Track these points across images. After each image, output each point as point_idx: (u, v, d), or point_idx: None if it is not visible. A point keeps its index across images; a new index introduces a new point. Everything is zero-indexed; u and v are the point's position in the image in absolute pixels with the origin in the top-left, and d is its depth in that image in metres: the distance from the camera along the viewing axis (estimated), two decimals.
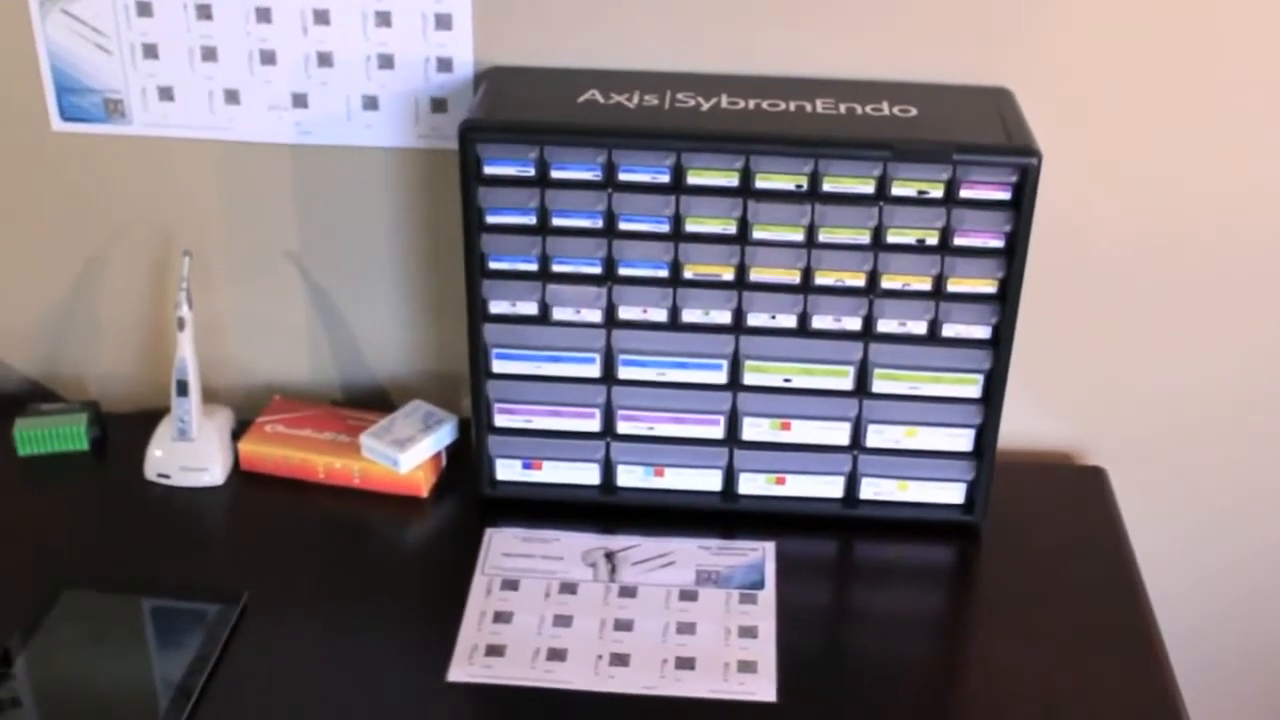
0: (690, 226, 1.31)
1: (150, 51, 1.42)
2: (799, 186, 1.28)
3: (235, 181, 1.49)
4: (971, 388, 1.36)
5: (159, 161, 1.48)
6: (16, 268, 1.55)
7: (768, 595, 1.32)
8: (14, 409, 1.53)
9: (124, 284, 1.55)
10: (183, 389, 1.45)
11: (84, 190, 1.50)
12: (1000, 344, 1.33)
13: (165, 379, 1.48)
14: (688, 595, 1.32)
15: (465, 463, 1.46)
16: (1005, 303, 1.31)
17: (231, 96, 1.44)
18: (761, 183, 1.28)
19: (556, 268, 1.34)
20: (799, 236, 1.30)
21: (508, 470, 1.43)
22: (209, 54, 1.42)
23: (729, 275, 1.33)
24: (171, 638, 1.27)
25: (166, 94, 1.44)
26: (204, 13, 1.39)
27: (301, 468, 1.47)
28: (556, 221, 1.32)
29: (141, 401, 1.58)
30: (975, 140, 1.26)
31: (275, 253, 1.52)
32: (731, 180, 1.29)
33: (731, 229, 1.31)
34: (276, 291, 1.54)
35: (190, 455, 1.46)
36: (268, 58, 1.41)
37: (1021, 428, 1.53)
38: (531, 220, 1.32)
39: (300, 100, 1.43)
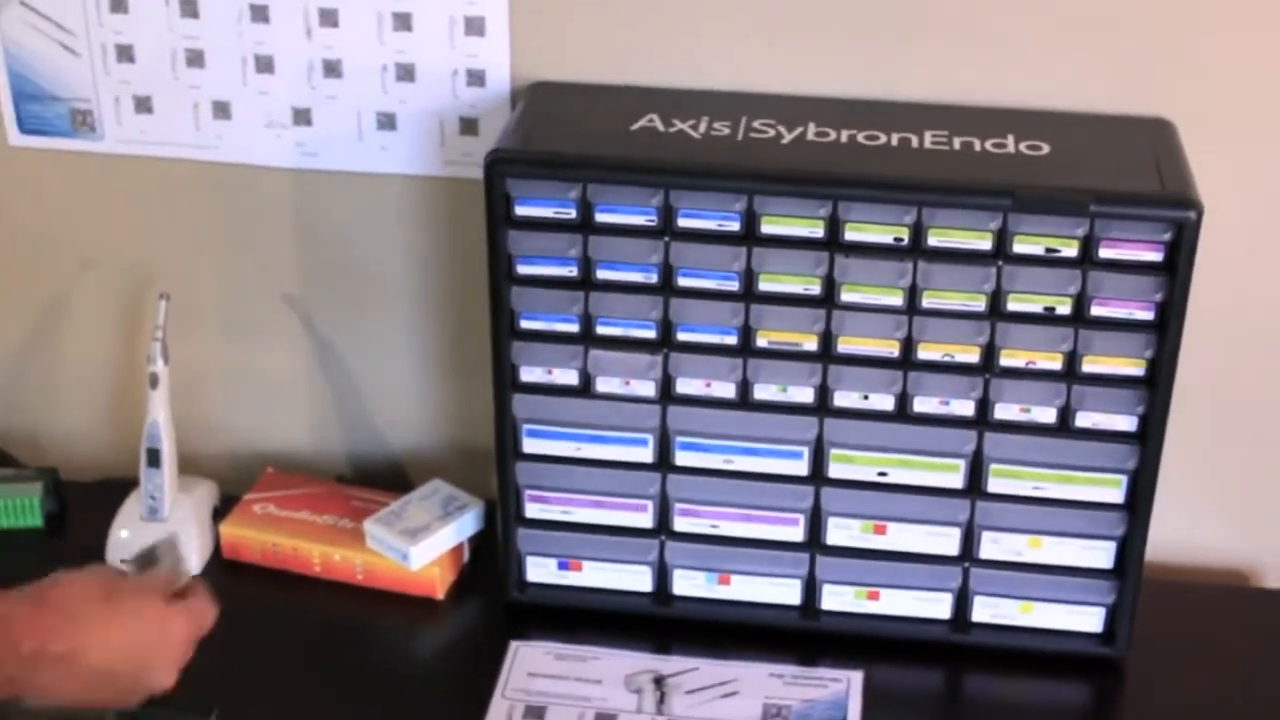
0: (764, 285, 1.32)
1: (125, 54, 1.47)
2: (898, 240, 1.29)
3: (224, 211, 1.53)
4: (1112, 491, 1.35)
5: (134, 185, 1.52)
6: None
7: None
8: None
9: (89, 330, 1.60)
10: (154, 459, 1.49)
11: (44, 216, 1.55)
12: (1149, 438, 1.32)
13: (136, 443, 1.52)
14: None
15: (491, 559, 1.49)
16: (1156, 388, 1.30)
17: (221, 109, 1.48)
18: (852, 234, 1.29)
19: (601, 329, 1.36)
20: (898, 300, 1.31)
21: (540, 571, 1.45)
22: (194, 58, 1.46)
23: (811, 345, 1.34)
24: None
25: (144, 105, 1.48)
26: (189, 9, 1.44)
27: (294, 558, 1.50)
28: (601, 274, 1.34)
29: (108, 468, 1.63)
30: (1119, 188, 1.26)
31: (271, 296, 1.56)
32: (815, 230, 1.30)
33: (815, 289, 1.32)
34: (272, 343, 1.58)
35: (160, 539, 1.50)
36: (264, 64, 1.45)
37: (1176, 538, 1.51)
38: (571, 272, 1.34)
39: (302, 116, 1.47)
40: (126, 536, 1.50)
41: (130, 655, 1.12)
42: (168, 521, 1.49)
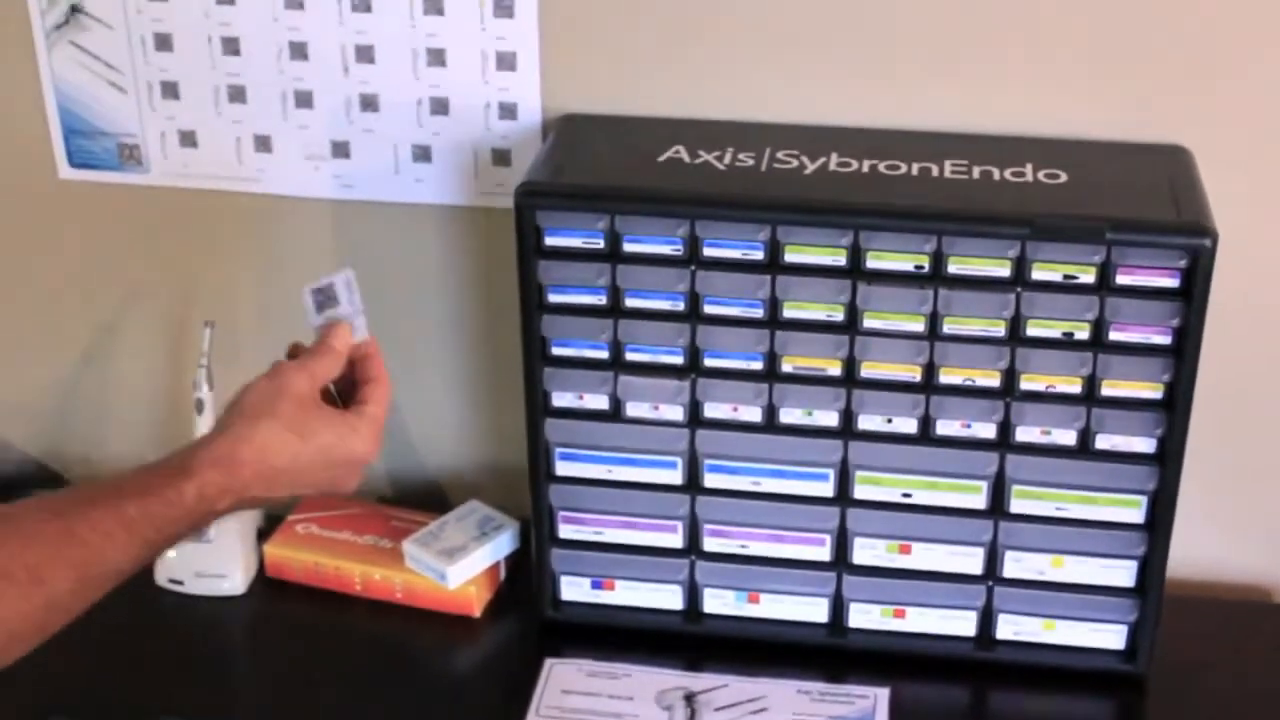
0: (789, 312, 1.33)
1: (170, 90, 1.49)
2: (919, 268, 1.30)
3: (266, 241, 1.55)
4: (1133, 511, 1.36)
5: (179, 216, 1.55)
6: (19, 333, 1.64)
7: None
8: (11, 494, 1.61)
9: (138, 356, 1.63)
10: None
11: (94, 247, 1.58)
12: (1168, 459, 1.32)
13: None
14: None
15: (527, 577, 1.50)
16: (1174, 411, 1.31)
17: (262, 143, 1.50)
18: (874, 262, 1.30)
19: (630, 356, 1.37)
20: (919, 326, 1.32)
21: (574, 590, 1.47)
22: (236, 94, 1.48)
23: (835, 370, 1.35)
24: None
25: (189, 139, 1.51)
26: (231, 47, 1.46)
27: (336, 578, 1.52)
28: (630, 302, 1.35)
29: None
30: (1135, 216, 1.26)
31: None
32: (838, 259, 1.31)
33: (838, 316, 1.33)
34: None
35: (207, 559, 1.52)
36: (303, 99, 1.48)
37: (1197, 555, 1.51)
38: (601, 300, 1.35)
39: (341, 149, 1.49)
40: (173, 557, 1.52)
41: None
42: (213, 542, 1.51)
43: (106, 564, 1.04)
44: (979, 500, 1.38)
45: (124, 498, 1.06)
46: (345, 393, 1.22)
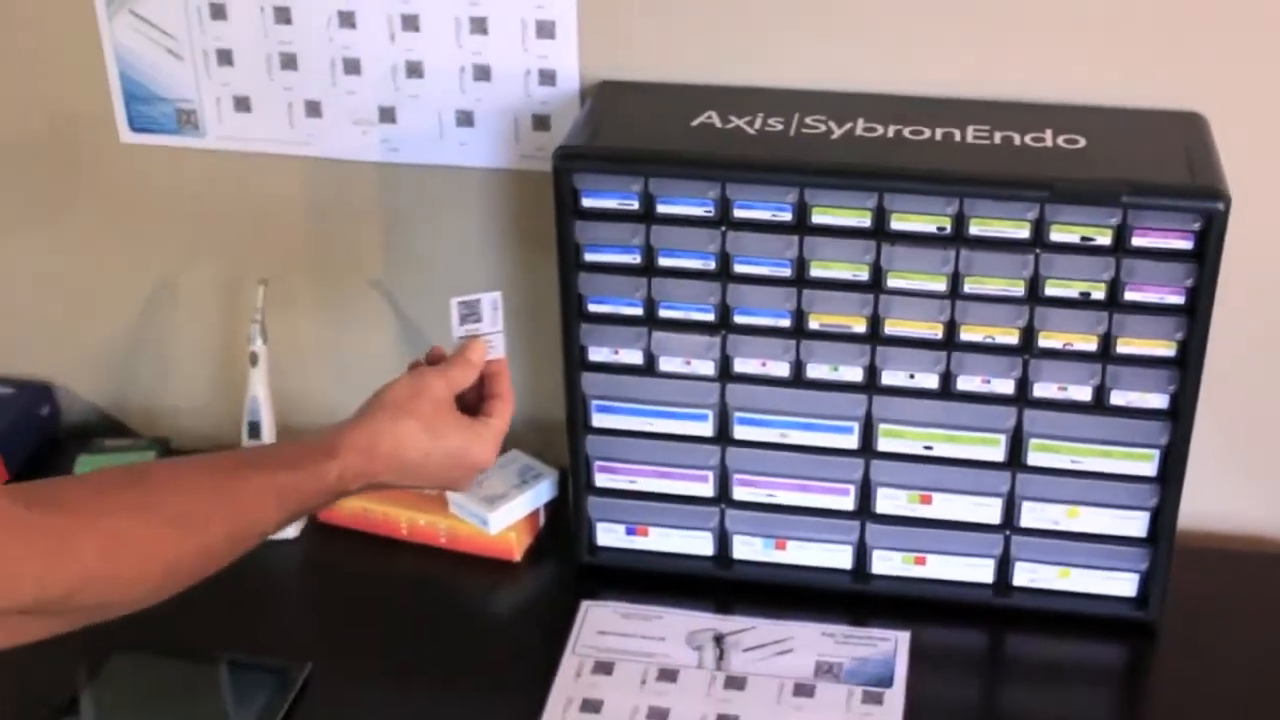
0: (815, 271, 1.37)
1: (225, 58, 1.54)
2: (941, 229, 1.33)
3: (316, 202, 1.60)
4: (1145, 464, 1.39)
5: (234, 178, 1.60)
6: (84, 289, 1.70)
7: (895, 695, 1.37)
8: (79, 443, 1.67)
9: (195, 312, 1.68)
10: (255, 431, 1.57)
11: (153, 208, 1.63)
12: (1180, 415, 1.35)
13: (240, 415, 1.59)
14: (803, 690, 1.38)
15: (565, 524, 1.55)
16: (1186, 368, 1.33)
17: (313, 108, 1.54)
18: (898, 224, 1.34)
19: (663, 313, 1.41)
20: (941, 286, 1.35)
21: (609, 535, 1.51)
22: (288, 61, 1.53)
23: (860, 327, 1.38)
24: (222, 708, 1.39)
25: (243, 104, 1.55)
26: (282, 16, 1.50)
27: (383, 523, 1.57)
28: (663, 261, 1.39)
29: (214, 438, 1.70)
30: (1150, 179, 1.29)
31: (359, 281, 1.63)
32: (863, 220, 1.34)
33: (863, 275, 1.36)
34: (361, 323, 1.65)
35: None
36: (351, 66, 1.52)
37: (1207, 507, 1.54)
38: (635, 259, 1.39)
39: (387, 114, 1.53)
40: None
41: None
42: None
43: (255, 524, 1.13)
44: (998, 453, 1.41)
45: (277, 468, 1.14)
46: (470, 402, 1.28)
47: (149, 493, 1.07)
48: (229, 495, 1.11)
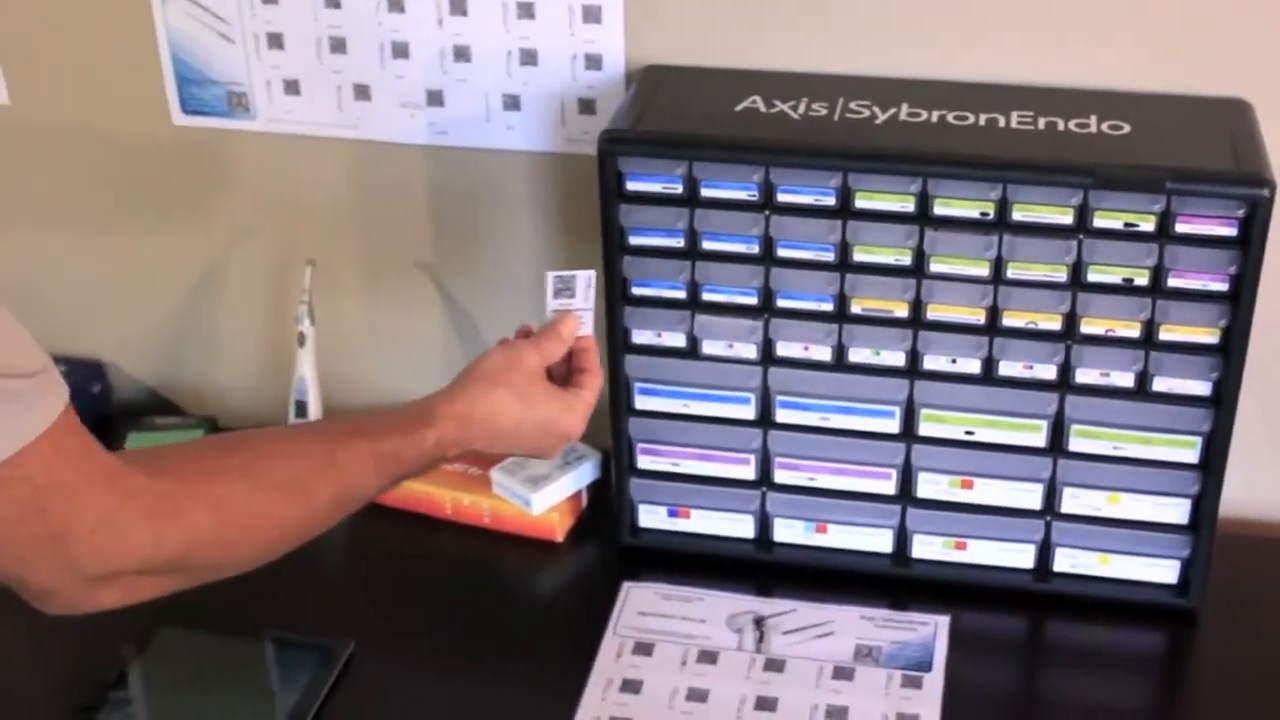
0: (858, 256, 1.36)
1: (275, 41, 1.54)
2: (984, 215, 1.32)
3: (364, 185, 1.60)
4: (1187, 452, 1.38)
5: (283, 160, 1.60)
6: (136, 270, 1.70)
7: (935, 679, 1.37)
8: (130, 420, 1.68)
9: (244, 292, 1.69)
10: (301, 410, 1.58)
11: (204, 189, 1.64)
12: (1223, 402, 1.34)
13: (287, 395, 1.61)
14: (842, 673, 1.37)
15: (607, 505, 1.55)
16: (1229, 355, 1.32)
17: (361, 92, 1.55)
18: (941, 209, 1.33)
19: (706, 296, 1.41)
20: (984, 271, 1.34)
21: (651, 517, 1.51)
22: (337, 45, 1.53)
23: (903, 312, 1.38)
24: (266, 684, 1.40)
25: (292, 87, 1.56)
26: (332, 1, 1.50)
27: (427, 502, 1.57)
28: (707, 245, 1.39)
29: (261, 417, 1.71)
30: (1194, 166, 1.28)
31: (406, 262, 1.63)
32: (906, 205, 1.33)
33: (906, 260, 1.36)
34: (407, 304, 1.66)
35: None
36: (400, 50, 1.52)
37: (1249, 495, 1.52)
38: (679, 243, 1.39)
39: (435, 98, 1.54)
40: None
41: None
42: None
43: (357, 489, 1.16)
44: (1039, 439, 1.40)
45: (378, 435, 1.17)
46: (557, 376, 1.31)
47: (255, 459, 1.10)
48: (331, 460, 1.13)
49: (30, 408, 0.90)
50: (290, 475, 1.11)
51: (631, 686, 1.36)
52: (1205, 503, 1.39)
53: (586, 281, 1.31)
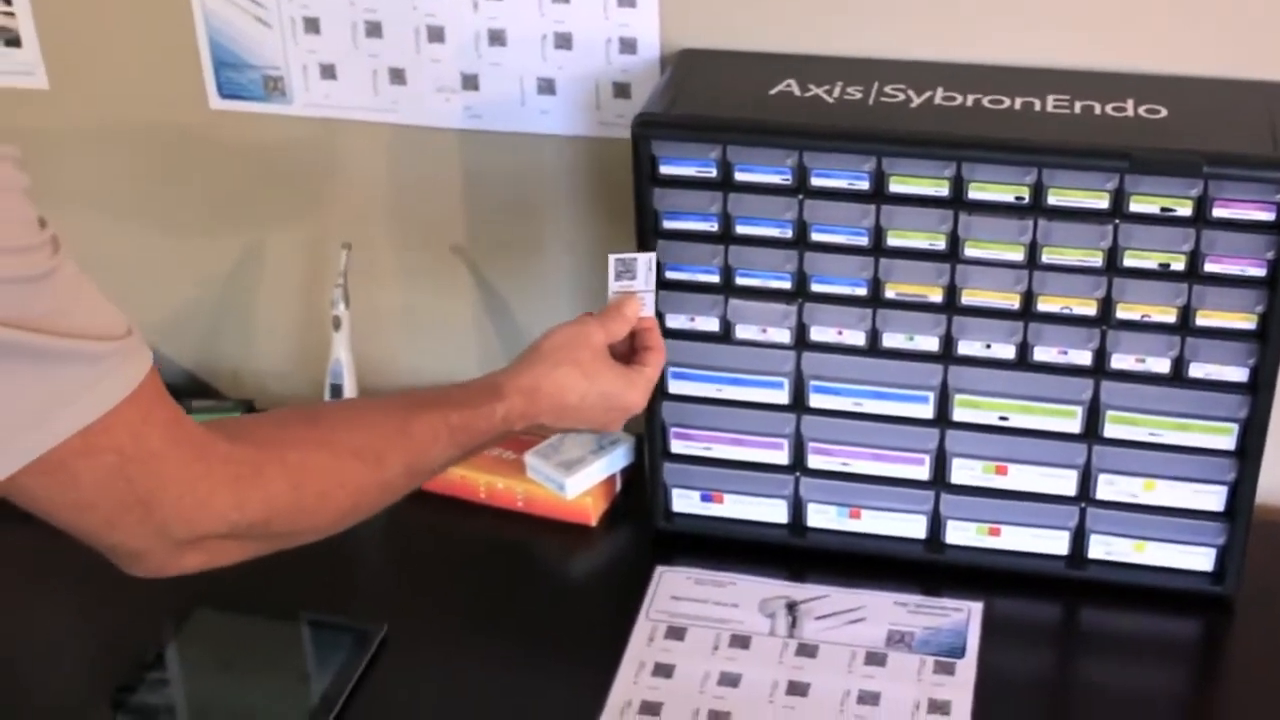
0: (893, 240, 1.35)
1: (311, 25, 1.53)
2: (1019, 199, 1.30)
3: (400, 168, 1.59)
4: (1224, 438, 1.36)
5: (320, 144, 1.59)
6: (172, 254, 1.70)
7: (967, 665, 1.35)
8: None
9: (280, 276, 1.68)
10: (337, 393, 1.57)
11: (241, 173, 1.63)
12: (1260, 389, 1.32)
13: (323, 378, 1.60)
14: (875, 658, 1.36)
15: (641, 490, 1.53)
16: (1266, 341, 1.30)
17: (397, 76, 1.54)
18: (976, 193, 1.31)
19: (740, 281, 1.39)
20: (1019, 256, 1.32)
21: (685, 501, 1.50)
22: (373, 29, 1.52)
23: (937, 297, 1.36)
24: (301, 666, 1.40)
25: (329, 72, 1.55)
26: None
27: (461, 485, 1.56)
28: (740, 229, 1.37)
29: (299, 401, 1.70)
30: (1232, 150, 1.26)
31: (441, 246, 1.62)
32: (941, 190, 1.32)
33: (940, 245, 1.34)
34: (443, 288, 1.65)
35: None
36: (435, 34, 1.51)
37: None
38: (713, 227, 1.38)
39: (470, 82, 1.52)
40: None
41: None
42: None
43: (429, 458, 1.18)
44: (1074, 424, 1.38)
45: (449, 407, 1.19)
46: (618, 354, 1.32)
47: (332, 428, 1.13)
48: (405, 430, 1.15)
49: (114, 371, 0.91)
50: (366, 444, 1.13)
51: (664, 670, 1.35)
52: (1241, 489, 1.36)
53: (648, 264, 1.32)
